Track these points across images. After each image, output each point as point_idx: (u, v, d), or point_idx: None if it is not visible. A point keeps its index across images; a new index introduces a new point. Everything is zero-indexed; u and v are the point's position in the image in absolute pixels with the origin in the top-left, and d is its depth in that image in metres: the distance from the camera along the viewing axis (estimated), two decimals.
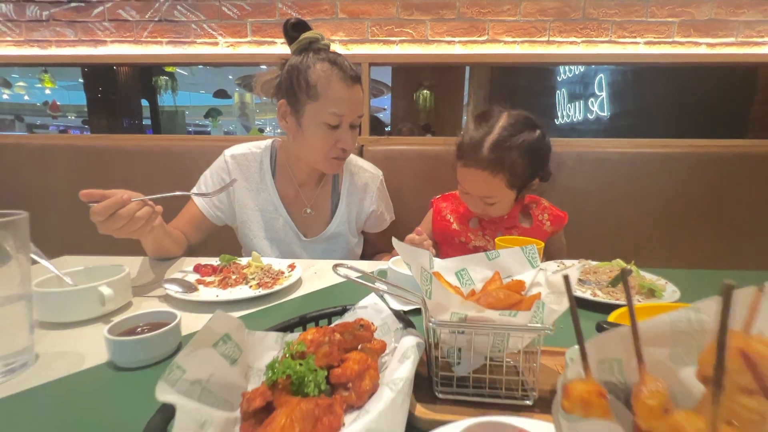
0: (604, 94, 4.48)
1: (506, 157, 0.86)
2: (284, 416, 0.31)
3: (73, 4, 1.72)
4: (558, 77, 4.79)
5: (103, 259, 0.88)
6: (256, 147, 1.09)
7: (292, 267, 0.83)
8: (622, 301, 0.66)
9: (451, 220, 1.06)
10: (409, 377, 0.35)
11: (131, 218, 0.70)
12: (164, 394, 0.31)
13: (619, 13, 1.66)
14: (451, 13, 1.68)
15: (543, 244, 0.72)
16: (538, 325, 0.37)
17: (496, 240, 0.76)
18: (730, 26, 1.66)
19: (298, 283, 0.78)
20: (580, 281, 0.78)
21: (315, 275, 0.85)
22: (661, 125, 2.78)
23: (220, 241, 1.09)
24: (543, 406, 0.40)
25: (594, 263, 0.87)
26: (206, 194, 0.87)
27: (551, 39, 1.69)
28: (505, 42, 1.70)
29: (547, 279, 0.44)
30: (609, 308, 0.62)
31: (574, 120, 4.79)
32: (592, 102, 4.64)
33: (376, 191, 1.13)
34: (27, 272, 0.47)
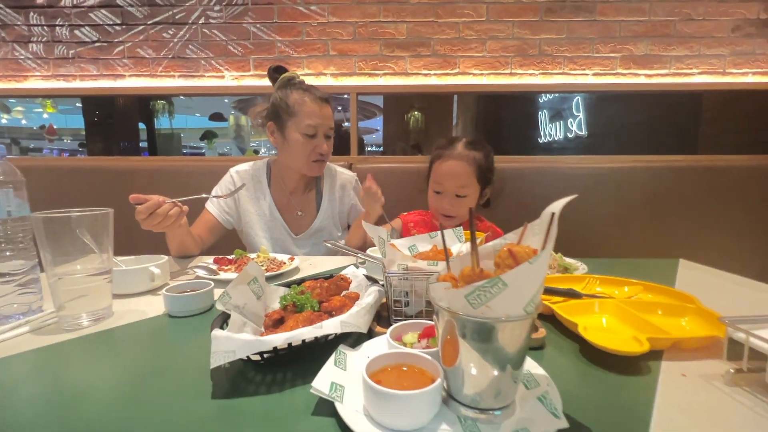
0: (581, 114, 4.83)
1: (476, 153, 1.16)
2: (293, 321, 0.52)
3: (97, 44, 1.97)
4: (539, 99, 5.14)
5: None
6: (255, 164, 1.34)
7: (291, 259, 1.04)
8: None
9: (416, 234, 1.28)
10: (370, 302, 0.57)
11: (165, 216, 0.91)
12: (220, 306, 0.52)
13: (569, 49, 1.95)
14: (427, 50, 1.96)
15: (484, 235, 0.94)
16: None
17: None
18: (663, 60, 1.95)
19: (296, 269, 0.99)
20: None
21: (310, 266, 1.06)
22: (632, 142, 3.08)
23: (226, 245, 1.29)
24: None
25: None
26: (221, 196, 1.11)
27: (513, 71, 1.97)
28: (474, 74, 1.97)
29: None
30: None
31: (556, 138, 5.11)
32: (570, 122, 4.99)
33: (353, 190, 1.38)
34: (110, 254, 0.68)
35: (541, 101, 5.42)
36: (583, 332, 0.54)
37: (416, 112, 5.37)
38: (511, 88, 1.99)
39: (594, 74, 1.97)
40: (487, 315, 0.35)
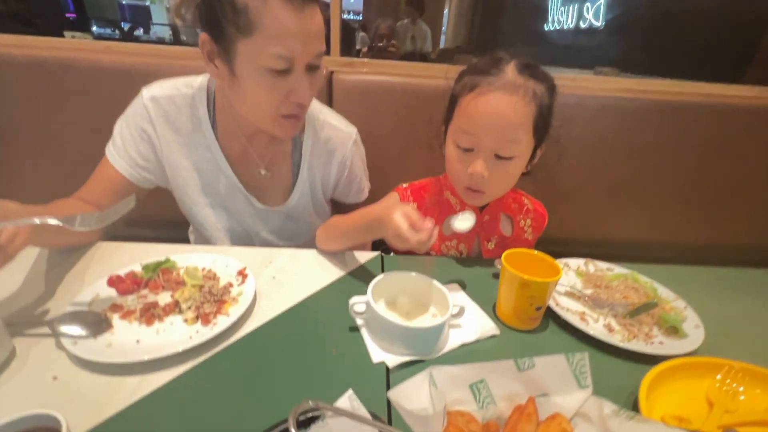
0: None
1: (537, 85, 0.67)
2: None
3: None
4: None
5: None
6: (186, 86, 0.79)
7: (243, 275, 0.64)
8: (651, 350, 0.56)
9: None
10: None
11: None
12: None
13: None
14: None
15: (560, 276, 0.58)
16: None
17: (503, 257, 0.61)
18: None
19: (252, 302, 0.61)
20: (586, 298, 0.67)
21: (274, 281, 0.67)
22: (656, 48, 2.47)
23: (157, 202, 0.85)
24: None
25: (602, 265, 0.76)
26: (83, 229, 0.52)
27: None
28: None
29: (606, 427, 0.31)
30: (632, 355, 0.54)
31: (564, 28, 4.38)
32: (588, 7, 4.18)
33: (349, 154, 0.89)
34: None
35: None
36: None
37: None
38: None
39: None
40: None
